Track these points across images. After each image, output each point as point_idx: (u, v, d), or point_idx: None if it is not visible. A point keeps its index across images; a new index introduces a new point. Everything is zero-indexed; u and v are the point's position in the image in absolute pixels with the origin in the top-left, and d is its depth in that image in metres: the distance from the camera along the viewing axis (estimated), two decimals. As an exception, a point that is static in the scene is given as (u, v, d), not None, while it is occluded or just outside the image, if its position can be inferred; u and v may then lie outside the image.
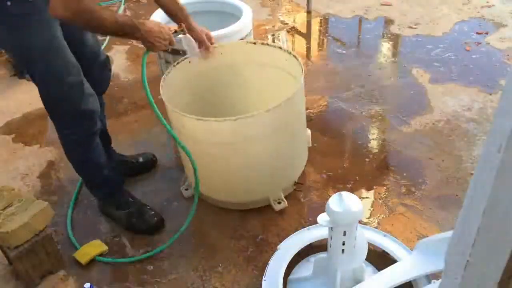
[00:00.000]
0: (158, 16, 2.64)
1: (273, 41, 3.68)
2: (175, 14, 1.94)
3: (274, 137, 1.94)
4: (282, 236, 1.96)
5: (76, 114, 1.73)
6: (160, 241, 2.00)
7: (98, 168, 1.97)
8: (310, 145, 2.37)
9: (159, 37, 1.66)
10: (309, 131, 2.34)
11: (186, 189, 2.21)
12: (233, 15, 2.73)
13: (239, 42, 2.37)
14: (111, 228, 2.09)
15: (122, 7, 4.17)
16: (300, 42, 3.68)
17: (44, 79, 1.66)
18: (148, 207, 2.10)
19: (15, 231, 1.67)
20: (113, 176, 2.05)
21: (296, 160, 2.19)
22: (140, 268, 1.90)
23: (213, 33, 2.44)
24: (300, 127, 2.12)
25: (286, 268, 1.71)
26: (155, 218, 2.06)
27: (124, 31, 1.58)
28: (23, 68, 1.74)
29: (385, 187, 2.23)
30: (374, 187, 2.23)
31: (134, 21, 1.59)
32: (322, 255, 1.65)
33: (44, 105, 1.74)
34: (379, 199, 2.17)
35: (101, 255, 1.94)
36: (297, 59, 2.04)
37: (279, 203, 2.08)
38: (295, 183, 2.20)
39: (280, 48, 2.19)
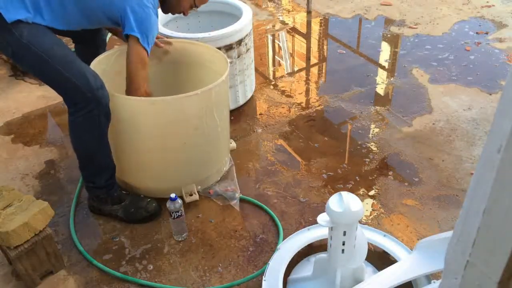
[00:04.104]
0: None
1: (273, 41, 3.68)
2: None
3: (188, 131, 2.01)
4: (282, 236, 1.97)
5: (88, 95, 1.82)
6: (159, 239, 2.01)
7: (108, 148, 1.99)
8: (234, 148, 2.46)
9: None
10: (233, 143, 2.45)
11: None
12: (233, 15, 2.73)
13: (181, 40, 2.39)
14: (111, 227, 2.09)
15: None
16: (300, 42, 3.68)
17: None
18: (141, 195, 2.14)
19: (15, 230, 1.67)
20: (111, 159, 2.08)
21: (210, 158, 2.20)
22: (141, 268, 1.90)
23: (213, 33, 2.45)
24: (217, 128, 2.12)
25: (286, 268, 1.70)
26: (153, 204, 2.10)
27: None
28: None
29: (385, 187, 2.23)
30: (374, 187, 2.23)
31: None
32: (322, 255, 1.65)
33: (58, 90, 1.87)
34: (379, 199, 2.17)
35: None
36: (224, 57, 2.17)
37: (191, 195, 2.14)
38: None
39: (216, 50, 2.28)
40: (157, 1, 1.98)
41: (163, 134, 1.99)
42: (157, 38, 2.31)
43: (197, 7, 2.17)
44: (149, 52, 1.94)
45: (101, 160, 2.00)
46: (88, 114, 1.83)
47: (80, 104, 1.82)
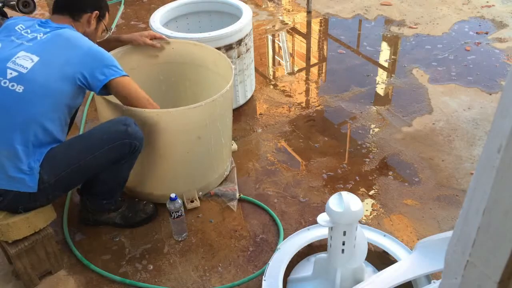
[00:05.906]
0: (158, 17, 2.64)
1: (273, 41, 3.68)
2: (113, 42, 2.25)
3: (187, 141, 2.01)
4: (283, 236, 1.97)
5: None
6: (159, 239, 2.01)
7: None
8: (235, 149, 2.45)
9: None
10: (234, 144, 2.45)
11: None
12: (233, 15, 2.73)
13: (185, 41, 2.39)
14: (111, 227, 2.08)
15: (122, 7, 4.17)
16: (300, 42, 3.68)
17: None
18: (136, 199, 2.14)
19: (15, 223, 1.68)
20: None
21: (212, 165, 2.19)
22: (141, 268, 1.90)
23: (213, 33, 2.45)
24: (219, 137, 2.11)
25: (286, 268, 1.71)
26: (150, 205, 2.11)
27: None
28: None
29: (385, 187, 2.23)
30: (374, 187, 2.23)
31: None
32: (322, 255, 1.65)
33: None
34: (379, 199, 2.17)
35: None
36: (228, 63, 2.15)
37: (192, 202, 2.14)
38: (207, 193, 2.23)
39: (219, 52, 2.28)
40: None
41: (167, 144, 1.98)
42: (155, 38, 2.31)
43: (110, 30, 2.11)
44: (127, 74, 1.82)
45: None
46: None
47: (130, 150, 1.82)
